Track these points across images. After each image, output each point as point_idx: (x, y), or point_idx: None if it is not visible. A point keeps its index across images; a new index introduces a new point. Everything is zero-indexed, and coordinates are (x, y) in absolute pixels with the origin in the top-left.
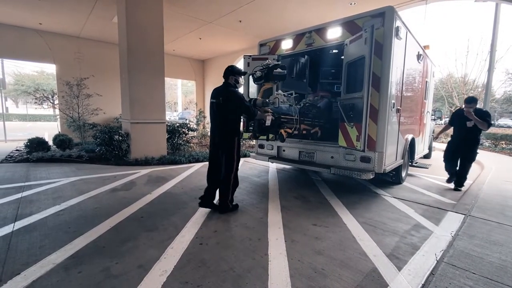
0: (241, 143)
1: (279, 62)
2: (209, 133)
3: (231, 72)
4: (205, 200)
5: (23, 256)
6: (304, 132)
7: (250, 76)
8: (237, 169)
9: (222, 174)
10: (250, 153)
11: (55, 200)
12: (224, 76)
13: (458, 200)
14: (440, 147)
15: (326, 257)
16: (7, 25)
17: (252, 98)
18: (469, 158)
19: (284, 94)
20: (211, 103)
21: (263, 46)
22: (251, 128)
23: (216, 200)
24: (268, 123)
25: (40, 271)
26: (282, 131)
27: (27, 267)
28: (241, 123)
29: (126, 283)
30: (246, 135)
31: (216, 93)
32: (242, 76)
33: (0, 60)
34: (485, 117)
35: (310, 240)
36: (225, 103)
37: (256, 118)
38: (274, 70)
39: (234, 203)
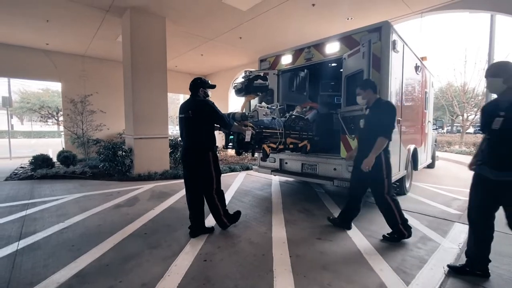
0: (243, 156)
1: (260, 74)
2: None
3: (201, 85)
4: (194, 229)
5: (27, 275)
6: (291, 146)
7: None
8: (218, 185)
9: (204, 195)
10: (253, 166)
11: (59, 217)
12: (191, 89)
13: (464, 210)
14: (444, 156)
15: (332, 272)
16: (15, 45)
17: (231, 112)
18: (375, 187)
19: (267, 107)
20: (180, 119)
21: (264, 62)
22: (231, 144)
23: (208, 222)
24: (247, 138)
25: None
26: (265, 146)
27: (32, 287)
28: (216, 136)
29: None
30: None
31: (184, 107)
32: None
33: (7, 80)
34: (381, 115)
35: (315, 255)
36: (195, 115)
37: (235, 132)
38: (255, 82)
39: (233, 212)
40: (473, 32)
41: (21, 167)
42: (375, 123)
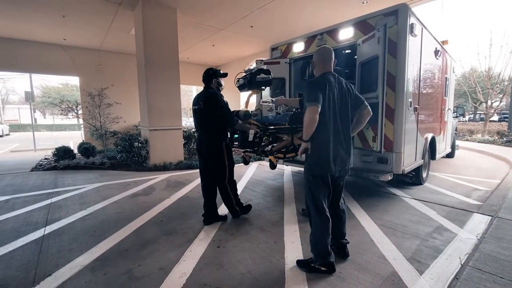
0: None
1: (263, 67)
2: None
3: (213, 75)
4: (207, 217)
5: (53, 258)
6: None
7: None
8: (231, 175)
9: (217, 184)
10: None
11: (81, 205)
12: (204, 81)
13: (485, 201)
14: (465, 145)
15: (344, 260)
16: (35, 41)
17: (235, 110)
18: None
19: (272, 100)
20: (194, 111)
21: (275, 50)
22: (236, 143)
23: (221, 211)
24: (250, 137)
25: (70, 272)
26: (271, 158)
27: (58, 269)
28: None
29: (148, 285)
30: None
31: (197, 99)
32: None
33: (28, 75)
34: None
35: None
36: (207, 107)
37: (240, 130)
38: (257, 76)
39: (245, 204)
40: (499, 13)
41: (45, 159)
42: None
